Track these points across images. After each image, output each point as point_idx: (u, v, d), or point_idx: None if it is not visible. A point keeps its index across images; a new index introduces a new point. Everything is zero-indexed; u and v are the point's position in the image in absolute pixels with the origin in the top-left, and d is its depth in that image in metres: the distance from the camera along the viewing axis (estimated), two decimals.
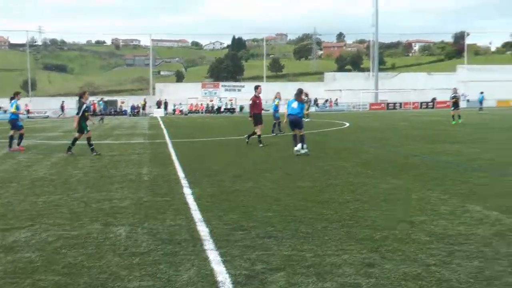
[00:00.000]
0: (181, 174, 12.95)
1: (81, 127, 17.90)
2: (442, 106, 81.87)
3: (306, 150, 16.59)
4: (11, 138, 20.34)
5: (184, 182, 11.68)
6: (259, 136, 20.32)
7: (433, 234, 6.94)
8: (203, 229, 7.35)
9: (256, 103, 20.88)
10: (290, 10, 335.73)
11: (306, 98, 45.48)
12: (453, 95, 33.94)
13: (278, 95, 27.89)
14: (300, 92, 17.11)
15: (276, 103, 27.24)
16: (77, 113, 17.92)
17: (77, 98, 19.79)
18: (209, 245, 6.59)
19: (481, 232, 6.99)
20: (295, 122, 16.91)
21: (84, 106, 17.92)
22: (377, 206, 8.77)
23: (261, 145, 19.86)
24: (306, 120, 42.61)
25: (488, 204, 8.77)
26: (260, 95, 21.15)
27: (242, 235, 7.04)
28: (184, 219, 8.04)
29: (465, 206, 8.61)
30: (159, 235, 7.10)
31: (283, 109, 21.54)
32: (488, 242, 6.55)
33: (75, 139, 18.33)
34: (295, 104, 16.86)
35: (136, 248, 6.51)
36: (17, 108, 20.19)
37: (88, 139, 18.15)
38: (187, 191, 10.53)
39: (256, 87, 21.32)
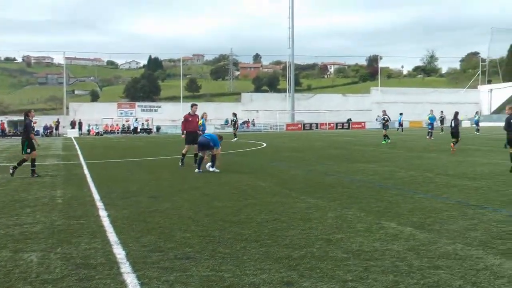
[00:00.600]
0: (96, 196, 12.68)
1: (24, 147, 17.48)
2: (358, 126, 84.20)
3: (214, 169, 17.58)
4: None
5: (99, 204, 11.43)
6: (183, 155, 20.26)
7: (349, 251, 7.11)
8: (119, 252, 7.22)
9: (188, 120, 20.43)
10: (206, 30, 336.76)
11: (234, 118, 45.84)
12: (382, 117, 35.49)
13: (204, 115, 27.77)
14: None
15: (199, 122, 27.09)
16: (31, 132, 17.70)
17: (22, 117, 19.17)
18: (125, 268, 6.47)
19: (395, 248, 7.22)
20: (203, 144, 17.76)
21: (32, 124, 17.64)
22: (295, 225, 8.88)
23: (180, 164, 19.96)
24: (234, 140, 42.92)
25: (402, 220, 9.10)
26: (196, 113, 20.81)
27: (159, 256, 6.96)
28: (100, 242, 7.86)
29: (380, 223, 8.87)
30: (73, 260, 6.89)
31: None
32: (403, 256, 6.77)
33: (32, 160, 17.66)
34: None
35: (49, 275, 6.28)
36: None
37: (32, 159, 17.63)
38: (102, 213, 10.31)
39: (192, 105, 21.00)
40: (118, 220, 9.51)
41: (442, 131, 55.96)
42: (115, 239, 7.98)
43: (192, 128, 20.24)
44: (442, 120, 58.03)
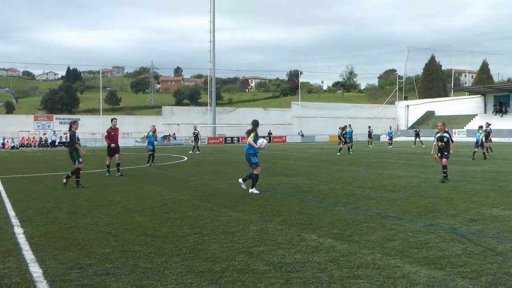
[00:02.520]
0: (11, 212, 12.22)
1: (75, 157, 17.64)
2: (279, 140, 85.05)
3: (252, 190, 15.31)
4: None
5: (14, 220, 11.03)
6: (108, 166, 22.03)
7: (271, 263, 7.15)
8: (36, 270, 6.98)
9: (111, 134, 21.96)
10: (127, 43, 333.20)
11: (196, 131, 45.09)
12: (343, 132, 39.19)
13: (153, 128, 29.11)
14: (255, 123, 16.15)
15: (143, 136, 27.74)
16: (76, 142, 17.79)
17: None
18: (42, 287, 6.28)
19: (316, 259, 7.32)
20: (246, 158, 15.90)
21: (76, 134, 17.88)
22: (216, 238, 8.87)
23: (107, 174, 21.64)
24: (197, 153, 42.43)
25: (323, 232, 9.24)
26: (117, 127, 22.24)
27: (78, 273, 6.79)
28: (15, 261, 7.56)
29: (301, 235, 8.98)
30: None
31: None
32: (323, 267, 6.89)
33: (78, 170, 17.73)
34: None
35: None
36: None
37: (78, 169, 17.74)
38: (18, 230, 9.95)
39: (112, 120, 22.33)
40: (34, 237, 9.20)
41: (370, 144, 57.81)
42: (32, 257, 7.71)
43: (114, 141, 21.89)
44: (369, 135, 60.00)
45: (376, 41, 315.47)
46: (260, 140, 15.50)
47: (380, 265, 6.98)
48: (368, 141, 60.26)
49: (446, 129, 17.74)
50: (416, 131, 57.31)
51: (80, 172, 17.94)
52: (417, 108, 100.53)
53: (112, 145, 21.89)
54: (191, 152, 44.28)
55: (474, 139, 33.56)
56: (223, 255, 7.68)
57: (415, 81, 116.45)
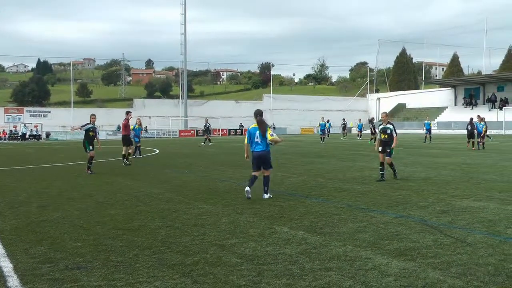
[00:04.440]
0: None
1: (84, 146, 19.65)
2: None
3: (269, 195, 12.75)
4: None
5: None
6: (124, 155, 23.92)
7: (243, 256, 7.18)
8: (6, 265, 6.92)
9: (123, 125, 25.06)
10: (97, 35, 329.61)
11: (207, 124, 45.14)
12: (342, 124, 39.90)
13: (138, 121, 30.04)
14: (260, 114, 13.34)
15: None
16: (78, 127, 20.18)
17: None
18: (13, 281, 6.22)
19: (288, 251, 7.36)
20: (263, 159, 12.97)
21: (89, 126, 19.47)
22: (188, 231, 8.87)
23: (127, 162, 23.54)
24: (210, 144, 42.41)
25: (294, 224, 9.30)
26: (130, 118, 25.31)
27: (49, 267, 6.74)
28: None
29: (273, 228, 9.03)
30: None
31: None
32: (295, 260, 6.93)
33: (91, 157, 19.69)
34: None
35: None
36: None
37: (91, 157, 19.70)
38: None
39: (127, 112, 25.57)
40: (5, 231, 9.12)
41: (344, 136, 58.49)
42: (2, 251, 7.65)
43: (128, 132, 25.09)
44: (344, 127, 60.95)
45: (348, 34, 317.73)
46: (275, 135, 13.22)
47: (352, 257, 7.04)
48: (343, 133, 61.03)
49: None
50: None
51: (93, 159, 19.73)
52: (388, 100, 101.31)
53: (125, 134, 24.92)
54: (203, 144, 44.54)
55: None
56: (195, 248, 7.68)
57: (386, 74, 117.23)
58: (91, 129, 19.45)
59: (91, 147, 19.51)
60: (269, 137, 12.88)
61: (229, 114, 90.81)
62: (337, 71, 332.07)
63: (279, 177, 17.08)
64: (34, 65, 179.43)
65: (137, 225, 9.45)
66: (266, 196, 12.60)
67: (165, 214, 10.50)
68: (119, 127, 79.01)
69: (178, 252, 7.41)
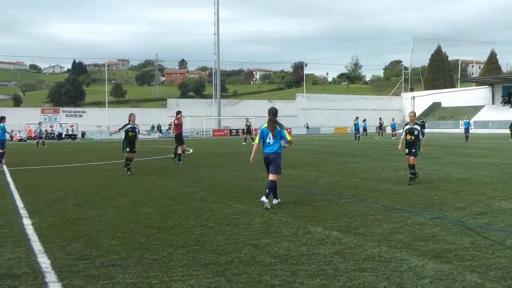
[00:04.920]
0: (20, 203, 12.30)
1: (123, 146, 19.31)
2: None
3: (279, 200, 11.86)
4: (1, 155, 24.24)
5: (23, 212, 11.10)
6: (179, 155, 24.03)
7: (277, 255, 7.16)
8: (44, 261, 7.03)
9: (175, 124, 24.97)
10: (132, 36, 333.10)
11: (249, 123, 45.73)
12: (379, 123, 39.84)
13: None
14: (274, 113, 12.31)
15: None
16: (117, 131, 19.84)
17: None
18: (50, 277, 6.32)
19: (322, 252, 7.32)
20: (272, 161, 11.86)
21: (128, 126, 19.13)
22: (222, 230, 8.89)
23: (181, 162, 23.50)
24: (253, 143, 42.95)
25: (328, 224, 9.25)
26: (182, 118, 25.06)
27: (86, 264, 6.82)
28: (24, 251, 7.63)
29: (307, 228, 8.99)
30: None
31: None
32: (329, 260, 6.89)
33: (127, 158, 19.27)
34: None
35: None
36: (2, 130, 24.74)
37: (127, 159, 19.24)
38: (26, 221, 10.02)
39: (178, 112, 25.11)
40: (42, 229, 9.27)
41: (380, 135, 58.29)
42: (40, 248, 7.77)
43: (176, 131, 24.74)
44: (380, 126, 60.81)
45: (381, 32, 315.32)
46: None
47: (386, 258, 6.97)
48: (378, 133, 60.74)
49: (423, 121, 17.09)
50: (422, 122, 57.31)
51: (129, 160, 19.24)
52: (423, 99, 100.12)
53: (178, 133, 24.51)
54: (244, 143, 44.71)
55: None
56: (229, 247, 7.70)
57: (421, 72, 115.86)
58: (130, 129, 19.15)
59: (127, 149, 19.04)
60: (288, 137, 12.03)
61: (262, 113, 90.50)
62: (371, 70, 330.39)
63: (313, 177, 17.02)
64: (69, 66, 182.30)
65: (171, 224, 9.50)
66: (264, 200, 11.20)
67: (199, 213, 10.54)
68: (153, 127, 79.77)
69: (212, 251, 7.43)
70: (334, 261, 6.83)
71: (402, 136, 15.76)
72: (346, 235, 8.36)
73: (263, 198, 11.26)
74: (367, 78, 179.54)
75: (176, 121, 24.87)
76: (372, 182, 15.48)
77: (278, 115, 12.00)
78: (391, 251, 7.32)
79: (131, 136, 19.15)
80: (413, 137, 15.28)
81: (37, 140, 49.71)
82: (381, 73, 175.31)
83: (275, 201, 11.69)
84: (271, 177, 11.58)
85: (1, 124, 25.05)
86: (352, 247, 7.58)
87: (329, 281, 6.00)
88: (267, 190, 11.36)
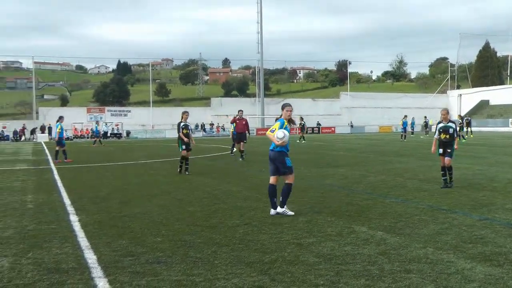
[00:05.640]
0: (67, 200, 12.55)
1: (178, 144, 19.00)
2: (327, 131, 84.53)
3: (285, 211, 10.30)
4: (57, 152, 26.33)
5: (70, 209, 11.33)
6: (242, 151, 25.12)
7: (321, 255, 7.11)
8: (90, 257, 7.15)
9: (236, 123, 25.81)
10: (175, 35, 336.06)
11: (302, 122, 46.57)
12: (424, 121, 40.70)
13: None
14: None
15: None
16: (179, 132, 18.74)
17: None
18: (97, 272, 6.42)
19: (366, 252, 7.24)
20: (276, 160, 10.46)
21: (182, 124, 18.78)
22: (266, 229, 8.87)
23: (240, 159, 24.61)
24: (303, 142, 43.38)
25: (373, 224, 9.14)
26: (243, 117, 26.12)
27: (131, 261, 6.90)
28: (71, 247, 7.79)
29: (351, 227, 8.91)
30: (44, 265, 6.82)
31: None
32: (374, 260, 6.80)
33: (182, 157, 18.92)
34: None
35: (21, 280, 6.21)
36: (61, 129, 26.40)
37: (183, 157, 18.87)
38: (73, 218, 10.22)
39: (238, 111, 26.41)
40: (89, 225, 9.43)
41: (426, 134, 57.68)
42: (86, 244, 7.92)
43: (239, 129, 25.53)
44: (426, 125, 60.24)
45: (426, 28, 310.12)
46: (280, 133, 10.22)
47: (433, 259, 6.84)
48: (425, 132, 60.09)
49: (468, 119, 15.95)
50: (467, 120, 56.32)
51: (186, 159, 18.77)
52: (470, 97, 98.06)
53: (237, 132, 25.65)
54: (298, 141, 45.15)
55: None
56: (273, 246, 7.68)
57: (468, 69, 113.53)
58: (184, 126, 18.86)
59: (183, 146, 18.63)
60: (268, 132, 10.49)
61: (306, 112, 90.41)
62: (416, 67, 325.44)
63: (357, 176, 16.89)
64: (114, 66, 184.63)
65: (215, 222, 9.54)
66: (279, 211, 10.18)
67: (243, 212, 10.54)
68: (196, 126, 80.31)
69: (256, 250, 7.42)
70: (379, 262, 6.75)
71: (435, 136, 14.50)
72: (391, 235, 8.25)
73: (275, 211, 10.23)
74: (412, 76, 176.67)
75: (233, 120, 26.18)
76: (418, 182, 15.26)
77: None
78: (437, 252, 7.19)
79: (185, 133, 18.80)
80: (448, 136, 14.14)
81: (94, 139, 50.70)
82: (426, 71, 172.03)
83: (279, 210, 10.26)
84: (286, 179, 10.41)
85: (60, 123, 26.47)
86: (397, 247, 7.47)
87: (373, 282, 5.92)
88: (281, 198, 10.29)
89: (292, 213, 10.15)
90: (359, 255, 7.10)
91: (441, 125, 14.36)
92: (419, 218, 9.67)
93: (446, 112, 14.56)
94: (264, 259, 6.94)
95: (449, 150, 14.13)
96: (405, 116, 50.18)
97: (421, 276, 6.11)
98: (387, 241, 7.86)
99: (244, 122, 26.00)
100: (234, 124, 26.60)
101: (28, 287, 5.94)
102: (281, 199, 10.24)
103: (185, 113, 19.15)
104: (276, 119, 10.68)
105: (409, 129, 51.38)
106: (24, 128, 75.55)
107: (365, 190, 13.78)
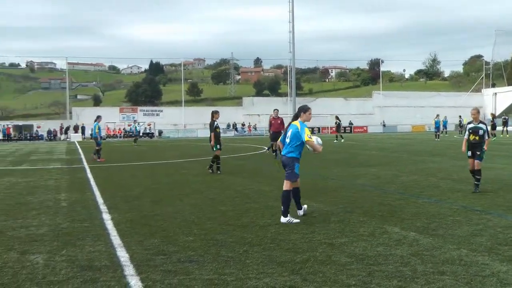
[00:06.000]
0: (100, 199, 12.70)
1: (214, 144, 18.69)
2: (359, 130, 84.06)
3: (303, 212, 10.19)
4: (96, 151, 26.66)
5: (103, 207, 11.46)
6: (275, 150, 24.67)
7: (353, 255, 7.07)
8: (123, 255, 7.22)
9: (271, 123, 26.43)
10: (207, 35, 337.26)
11: (338, 121, 46.73)
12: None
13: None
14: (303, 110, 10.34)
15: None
16: (212, 131, 18.51)
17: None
18: (129, 270, 6.47)
19: (399, 253, 7.17)
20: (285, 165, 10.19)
21: (215, 123, 18.61)
22: (297, 229, 8.85)
23: (276, 157, 24.07)
24: (342, 141, 43.52)
25: (406, 225, 9.04)
26: (279, 116, 26.50)
27: (163, 259, 6.95)
28: (104, 245, 7.87)
29: (383, 228, 8.83)
30: (78, 262, 6.91)
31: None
32: (407, 261, 6.73)
33: (216, 157, 18.77)
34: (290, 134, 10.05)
35: (55, 276, 6.31)
36: (98, 129, 26.76)
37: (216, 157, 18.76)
38: (106, 216, 10.33)
39: (274, 110, 26.95)
40: (121, 224, 9.52)
41: (460, 133, 57.05)
42: (119, 242, 8.00)
43: (275, 129, 25.74)
44: (460, 124, 59.72)
45: (460, 26, 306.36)
46: (319, 139, 10.21)
47: (467, 261, 6.73)
48: (459, 131, 59.43)
49: (505, 118, 14.67)
50: (504, 119, 55.32)
51: (218, 158, 18.75)
52: (506, 95, 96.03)
53: (273, 131, 25.83)
54: (336, 141, 45.03)
55: None
56: (304, 245, 7.66)
57: (503, 67, 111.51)
58: (217, 126, 18.79)
59: (218, 146, 18.54)
60: (306, 138, 9.82)
61: (338, 111, 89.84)
62: (450, 66, 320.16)
63: (389, 176, 16.74)
64: (146, 66, 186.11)
65: (246, 222, 9.55)
66: (283, 220, 9.48)
67: (274, 212, 10.51)
68: (228, 125, 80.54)
69: (288, 250, 7.41)
70: (412, 263, 6.67)
71: (465, 137, 13.64)
72: (424, 236, 8.16)
73: (283, 219, 9.55)
74: (446, 74, 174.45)
75: (272, 119, 26.45)
76: (451, 182, 15.06)
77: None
78: (471, 254, 7.08)
79: (218, 132, 18.77)
80: (477, 138, 13.20)
81: (134, 138, 51.64)
82: (460, 69, 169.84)
83: (282, 220, 9.56)
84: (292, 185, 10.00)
85: (98, 123, 26.92)
86: (431, 249, 7.38)
87: (406, 283, 5.86)
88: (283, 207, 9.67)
89: (298, 220, 9.53)
90: (391, 255, 7.03)
91: (471, 125, 13.50)
92: (452, 219, 9.54)
93: (476, 112, 13.61)
94: (295, 259, 6.92)
95: (478, 153, 13.23)
96: (437, 115, 49.73)
97: (454, 278, 6.02)
98: (420, 242, 7.77)
99: (279, 121, 26.19)
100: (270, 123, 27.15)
101: (62, 284, 6.01)
102: (282, 209, 9.60)
103: (217, 113, 18.89)
104: (292, 123, 10.22)
105: (441, 128, 50.87)
106: (61, 127, 76.73)
107: (397, 190, 13.65)
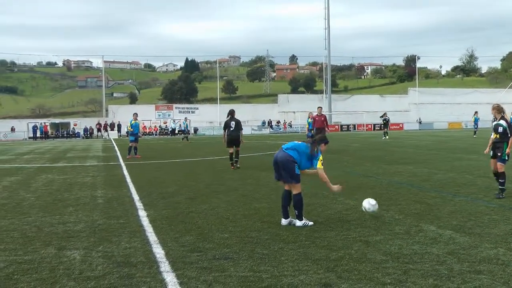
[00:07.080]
0: (135, 196, 12.85)
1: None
2: (395, 128, 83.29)
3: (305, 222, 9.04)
4: (135, 148, 27.26)
5: (138, 204, 11.60)
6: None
7: (388, 253, 7.04)
8: (158, 251, 7.31)
9: (315, 120, 27.53)
10: (242, 33, 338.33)
11: (387, 117, 46.93)
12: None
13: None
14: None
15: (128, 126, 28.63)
16: (241, 128, 19.76)
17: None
18: (165, 267, 6.55)
19: (435, 251, 7.12)
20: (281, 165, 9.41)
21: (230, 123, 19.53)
22: (332, 226, 8.85)
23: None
24: (386, 138, 43.59)
25: (442, 223, 8.96)
26: (322, 113, 28.32)
27: (198, 256, 7.01)
28: (140, 241, 7.97)
29: (419, 226, 8.77)
30: (114, 258, 7.02)
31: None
32: (442, 260, 6.68)
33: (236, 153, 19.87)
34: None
35: (91, 272, 6.42)
36: (132, 126, 27.28)
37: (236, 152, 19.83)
38: (142, 213, 10.46)
39: (318, 108, 29.03)
40: (157, 220, 9.63)
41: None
42: (155, 239, 8.09)
43: (318, 125, 27.10)
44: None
45: (499, 21, 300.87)
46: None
47: (504, 261, 6.65)
48: None
49: None
50: None
51: (234, 155, 19.72)
52: None
53: (316, 127, 26.80)
54: (384, 138, 45.18)
55: None
56: (339, 243, 7.65)
57: None
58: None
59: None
60: (319, 165, 9.91)
61: (373, 108, 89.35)
62: (487, 62, 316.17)
63: (425, 173, 16.59)
64: (182, 64, 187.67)
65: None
66: (299, 224, 8.93)
67: (310, 209, 10.49)
68: (263, 122, 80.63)
69: (323, 247, 7.41)
70: (448, 262, 6.62)
71: (491, 135, 12.34)
72: (460, 235, 8.08)
73: (298, 223, 9.02)
74: (483, 70, 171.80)
75: (315, 116, 27.54)
76: (488, 180, 14.80)
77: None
78: (509, 254, 6.98)
79: (231, 130, 19.57)
80: (497, 136, 11.99)
81: (186, 135, 52.79)
82: (498, 65, 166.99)
83: (298, 223, 9.05)
84: (292, 189, 9.33)
85: (135, 120, 27.66)
86: (467, 247, 7.31)
87: (442, 282, 5.82)
88: (295, 209, 9.11)
89: (312, 223, 9.01)
90: (427, 254, 6.99)
91: (494, 123, 12.28)
92: (489, 218, 9.42)
93: (495, 107, 12.40)
94: (330, 256, 6.92)
95: (499, 154, 12.02)
96: (476, 112, 49.07)
97: (491, 278, 5.96)
98: (456, 241, 7.70)
99: (322, 118, 27.64)
100: (309, 120, 28.43)
101: (99, 280, 6.11)
102: (296, 213, 9.02)
103: (234, 112, 19.81)
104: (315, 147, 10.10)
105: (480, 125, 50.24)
106: (99, 124, 77.77)
107: (433, 187, 13.52)
